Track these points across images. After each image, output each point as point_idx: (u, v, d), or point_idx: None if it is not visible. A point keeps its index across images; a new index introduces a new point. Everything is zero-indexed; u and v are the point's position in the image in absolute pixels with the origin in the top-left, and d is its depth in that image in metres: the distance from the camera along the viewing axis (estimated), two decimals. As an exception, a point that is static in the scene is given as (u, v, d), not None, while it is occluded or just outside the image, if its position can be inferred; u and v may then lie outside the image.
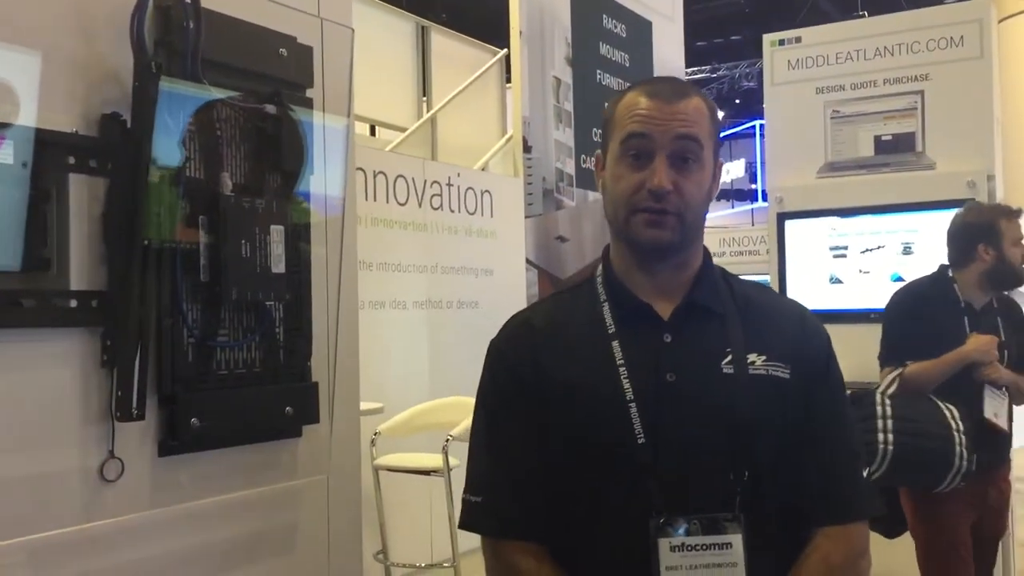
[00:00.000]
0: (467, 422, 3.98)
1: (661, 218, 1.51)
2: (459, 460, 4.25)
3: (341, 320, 1.90)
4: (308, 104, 1.81)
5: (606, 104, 1.63)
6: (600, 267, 1.66)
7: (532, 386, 1.57)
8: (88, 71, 1.52)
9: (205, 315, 1.64)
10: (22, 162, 1.43)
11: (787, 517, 1.56)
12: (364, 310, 4.77)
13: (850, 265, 4.62)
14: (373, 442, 4.33)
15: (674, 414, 1.51)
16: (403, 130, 6.31)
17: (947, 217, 4.31)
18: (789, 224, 4.76)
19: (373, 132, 7.05)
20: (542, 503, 1.56)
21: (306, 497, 1.84)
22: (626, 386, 1.51)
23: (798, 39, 4.95)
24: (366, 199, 4.84)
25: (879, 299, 4.47)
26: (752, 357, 1.55)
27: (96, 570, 1.50)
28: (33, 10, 1.46)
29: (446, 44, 6.89)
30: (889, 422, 3.19)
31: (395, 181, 5.05)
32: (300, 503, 1.83)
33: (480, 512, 1.58)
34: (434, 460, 4.18)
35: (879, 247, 4.56)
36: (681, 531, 1.47)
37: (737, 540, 1.47)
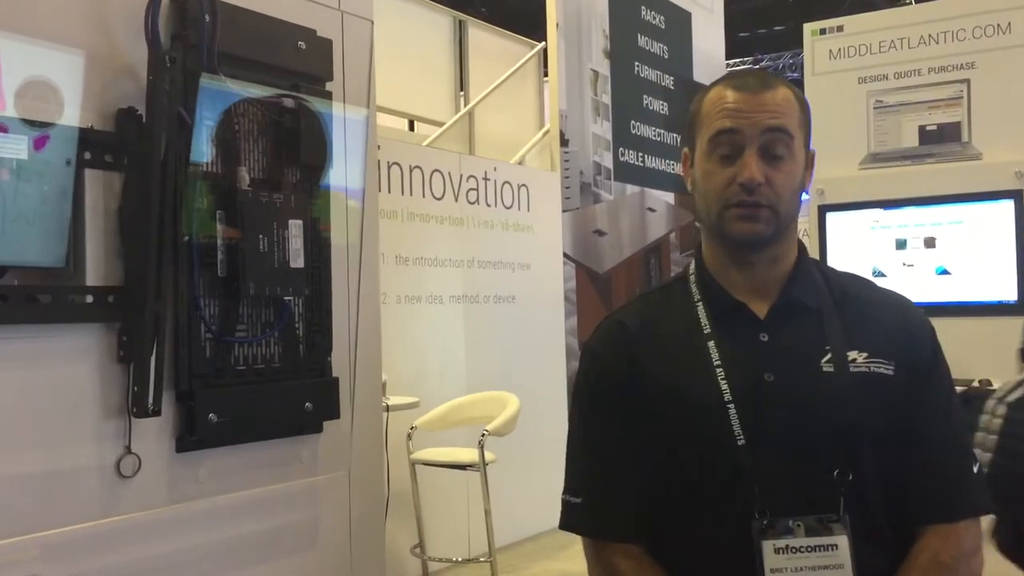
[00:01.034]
0: (503, 416, 4.01)
1: (754, 211, 1.47)
2: (495, 455, 4.26)
3: (362, 315, 1.89)
4: (327, 97, 1.80)
5: (691, 100, 1.61)
6: (692, 265, 1.62)
7: (628, 387, 1.54)
8: (104, 66, 1.51)
9: (223, 310, 1.64)
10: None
11: (894, 516, 1.52)
12: (401, 304, 4.80)
13: (894, 258, 4.53)
14: (409, 436, 4.34)
15: (774, 415, 1.47)
16: (441, 125, 6.30)
17: (994, 209, 4.22)
18: (831, 216, 4.67)
19: (411, 127, 7.05)
20: (641, 504, 1.53)
21: (327, 493, 1.83)
22: (724, 387, 1.47)
23: (840, 28, 4.85)
24: (402, 193, 4.84)
25: (923, 293, 4.39)
26: (852, 354, 1.50)
27: (113, 566, 1.50)
28: (50, 5, 1.46)
29: (483, 38, 6.86)
30: (994, 438, 2.71)
31: (431, 176, 5.05)
32: (321, 499, 1.82)
33: (579, 513, 1.56)
34: (470, 455, 4.17)
35: (924, 239, 4.46)
36: (786, 533, 1.44)
37: (843, 541, 1.43)
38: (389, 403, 4.15)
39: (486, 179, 5.39)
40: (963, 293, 4.32)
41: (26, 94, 1.40)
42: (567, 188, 5.81)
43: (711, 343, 1.51)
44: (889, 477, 1.50)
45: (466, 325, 5.13)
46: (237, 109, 1.66)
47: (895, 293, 1.65)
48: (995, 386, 3.13)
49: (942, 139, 4.56)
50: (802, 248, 1.59)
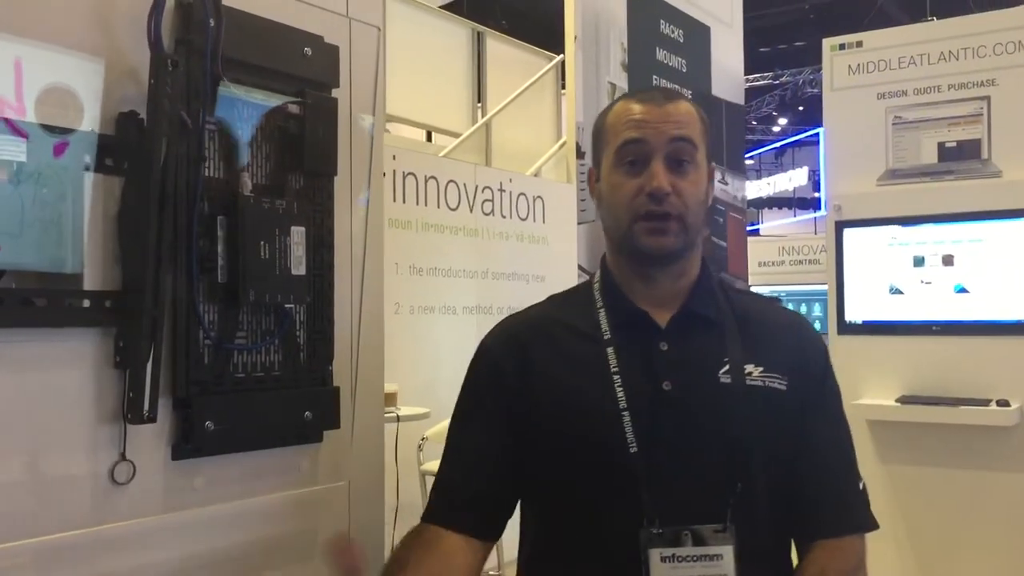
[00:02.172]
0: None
1: (663, 224, 1.50)
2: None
3: (365, 324, 1.87)
4: (333, 104, 1.78)
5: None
6: (598, 273, 1.65)
7: (517, 385, 1.56)
8: (106, 69, 1.50)
9: (222, 317, 1.62)
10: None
11: (782, 529, 1.54)
12: (414, 315, 4.79)
13: (911, 275, 4.48)
14: (420, 447, 4.32)
15: (669, 423, 1.48)
16: (458, 136, 6.30)
17: (1013, 227, 4.17)
18: (848, 232, 4.63)
19: (429, 138, 7.05)
20: (497, 502, 1.56)
21: (326, 504, 1.81)
22: (619, 394, 1.48)
23: (859, 43, 4.83)
24: (417, 204, 4.83)
25: (941, 311, 4.33)
26: (749, 368, 1.52)
27: (105, 574, 1.48)
28: (52, 7, 1.45)
29: (501, 50, 6.87)
30: None
31: (446, 186, 5.04)
32: (320, 509, 1.80)
33: (431, 503, 1.58)
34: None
35: (942, 256, 4.41)
36: (674, 542, 1.44)
37: (728, 552, 1.44)
38: (400, 413, 4.14)
39: (501, 190, 5.38)
40: (982, 312, 4.27)
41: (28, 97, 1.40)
42: (583, 200, 5.78)
43: (610, 349, 1.52)
44: (778, 490, 1.52)
45: (480, 336, 5.08)
46: (240, 114, 1.65)
47: (792, 312, 1.73)
48: (1013, 406, 3.06)
49: (961, 156, 4.52)
50: (705, 264, 1.62)
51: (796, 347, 1.59)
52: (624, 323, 1.56)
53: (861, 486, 1.60)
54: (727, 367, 1.51)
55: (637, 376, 1.50)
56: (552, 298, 1.73)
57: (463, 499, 1.56)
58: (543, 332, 1.60)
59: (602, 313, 1.57)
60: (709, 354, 1.53)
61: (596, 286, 1.63)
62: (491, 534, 1.57)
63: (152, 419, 1.49)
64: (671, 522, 1.44)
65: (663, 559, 1.43)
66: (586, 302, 1.61)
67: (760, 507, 1.49)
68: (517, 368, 1.57)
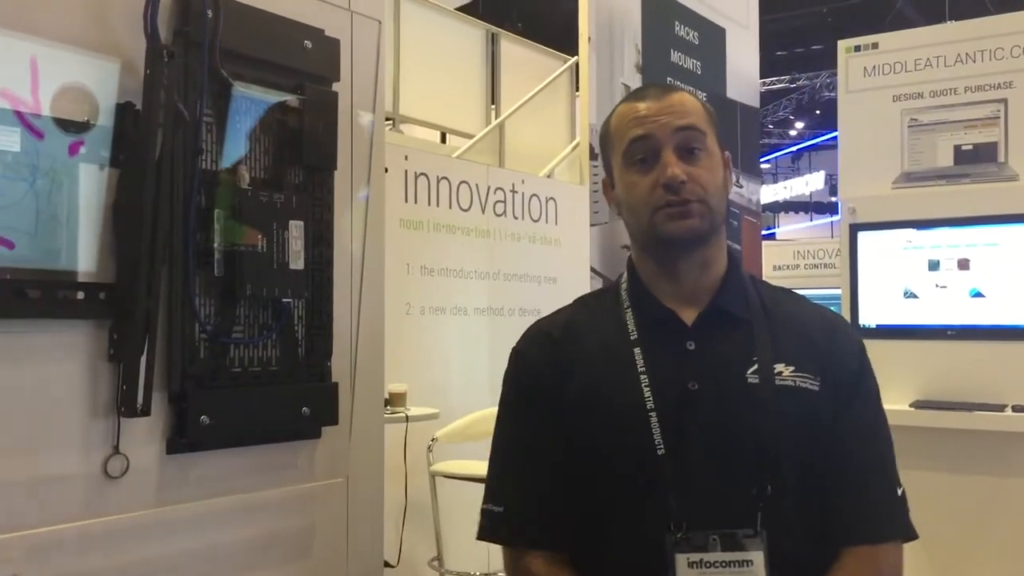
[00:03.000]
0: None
1: (685, 208, 1.47)
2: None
3: (365, 319, 1.85)
4: (333, 98, 1.77)
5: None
6: (625, 274, 1.62)
7: (553, 390, 1.52)
8: (103, 59, 1.49)
9: (219, 311, 1.61)
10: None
11: (813, 535, 1.47)
12: (425, 315, 4.78)
13: (926, 279, 4.43)
14: (430, 448, 4.30)
15: (696, 425, 1.44)
16: (472, 137, 6.29)
17: (1030, 231, 4.11)
18: (862, 236, 4.58)
19: (444, 139, 7.04)
20: (560, 511, 1.50)
21: (324, 500, 1.79)
22: (647, 394, 1.44)
23: (875, 45, 4.78)
24: (429, 204, 4.82)
25: (956, 315, 4.28)
26: (779, 367, 1.47)
27: (98, 567, 1.47)
28: (49, -2, 1.45)
29: (516, 51, 6.85)
30: None
31: (458, 187, 5.02)
32: (317, 506, 1.78)
33: (499, 522, 1.53)
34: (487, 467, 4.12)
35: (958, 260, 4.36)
36: (701, 547, 1.39)
37: (758, 558, 1.39)
38: (410, 414, 4.13)
39: (514, 191, 5.36)
40: (997, 316, 4.21)
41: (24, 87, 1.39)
42: (596, 202, 5.76)
43: (637, 350, 1.49)
44: (810, 494, 1.46)
45: (491, 337, 5.09)
46: (239, 107, 1.64)
47: (827, 310, 1.64)
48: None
49: (977, 159, 4.47)
50: (734, 258, 1.58)
51: (831, 347, 1.53)
52: (651, 323, 1.52)
53: (900, 492, 1.52)
54: (755, 366, 1.47)
55: (664, 376, 1.46)
56: (580, 300, 1.69)
57: (540, 515, 1.51)
58: (572, 334, 1.57)
59: (629, 313, 1.54)
60: (737, 353, 1.48)
61: (623, 287, 1.60)
62: (568, 545, 1.52)
63: (146, 413, 1.48)
64: (700, 526, 1.40)
65: (690, 564, 1.39)
66: (613, 303, 1.59)
67: (792, 511, 1.44)
68: (552, 367, 1.54)
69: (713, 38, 6.40)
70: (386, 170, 1.97)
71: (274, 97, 1.69)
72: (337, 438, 1.80)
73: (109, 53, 1.49)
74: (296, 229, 1.68)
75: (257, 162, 1.67)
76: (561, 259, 5.57)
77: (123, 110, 1.49)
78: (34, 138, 1.40)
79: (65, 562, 1.43)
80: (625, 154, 1.53)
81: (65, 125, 1.43)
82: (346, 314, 1.82)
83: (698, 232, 1.49)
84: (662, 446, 1.42)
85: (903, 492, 1.53)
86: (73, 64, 1.45)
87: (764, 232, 7.32)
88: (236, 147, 1.63)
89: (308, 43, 1.73)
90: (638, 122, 1.51)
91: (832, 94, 14.14)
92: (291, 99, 1.70)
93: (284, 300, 1.68)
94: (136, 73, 1.52)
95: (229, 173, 1.62)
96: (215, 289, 1.60)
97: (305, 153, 1.72)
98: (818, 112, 17.33)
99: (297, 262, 1.68)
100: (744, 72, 6.65)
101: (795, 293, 1.64)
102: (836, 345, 1.54)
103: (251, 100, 1.66)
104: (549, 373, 1.54)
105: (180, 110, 1.52)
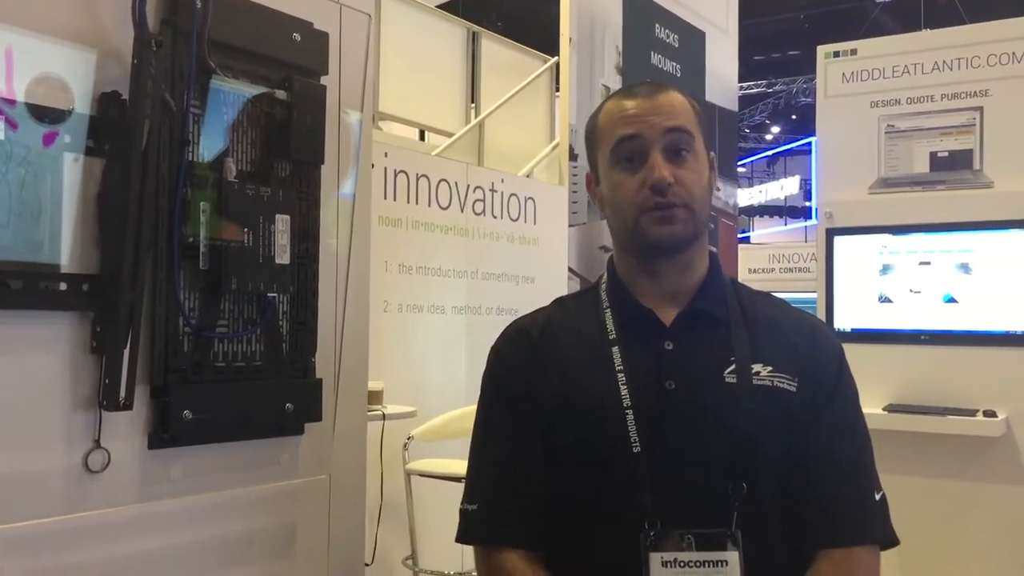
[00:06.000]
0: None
1: (670, 213, 1.47)
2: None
3: (350, 316, 1.84)
4: (321, 91, 1.76)
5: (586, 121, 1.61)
6: (605, 274, 1.62)
7: (531, 388, 1.53)
8: (88, 48, 1.47)
9: (203, 304, 1.59)
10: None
11: (790, 536, 1.48)
12: (402, 313, 4.76)
13: (901, 284, 4.47)
14: (406, 446, 4.28)
15: (672, 423, 1.44)
16: (451, 135, 6.27)
17: (1004, 238, 4.16)
18: (838, 240, 4.62)
19: (422, 137, 7.02)
20: (538, 508, 1.50)
21: (306, 496, 1.78)
22: (624, 392, 1.45)
23: (853, 51, 4.81)
24: (408, 202, 4.80)
25: (930, 320, 4.33)
26: (757, 367, 1.48)
27: (77, 563, 1.45)
28: (35, -16, 1.42)
29: (496, 51, 6.84)
30: None
31: (438, 185, 5.01)
32: (299, 502, 1.77)
33: (475, 520, 1.53)
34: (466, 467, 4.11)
35: (929, 264, 4.40)
36: (676, 546, 1.39)
37: (734, 558, 1.39)
38: (386, 412, 4.11)
39: (493, 190, 5.36)
40: (970, 322, 4.26)
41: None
42: (574, 203, 5.76)
43: (615, 348, 1.49)
44: (787, 495, 1.46)
45: (468, 336, 5.08)
46: (226, 98, 1.62)
47: (806, 313, 1.65)
48: (1000, 417, 3.04)
49: (953, 166, 4.51)
50: (714, 259, 1.58)
51: (809, 348, 1.53)
52: (629, 322, 1.52)
53: (878, 496, 1.52)
54: (733, 366, 1.47)
55: (641, 375, 1.46)
56: (559, 300, 1.69)
57: (516, 512, 1.50)
58: (550, 333, 1.57)
59: (608, 313, 1.54)
60: (715, 353, 1.48)
61: (603, 287, 1.60)
62: (544, 545, 1.51)
63: (128, 406, 1.46)
64: (675, 525, 1.40)
65: (664, 563, 1.38)
66: (593, 303, 1.59)
67: (768, 511, 1.44)
68: (530, 366, 1.54)
69: (693, 41, 6.43)
70: (372, 166, 1.95)
71: (262, 89, 1.67)
72: (320, 435, 1.79)
73: (90, 43, 1.47)
74: (282, 223, 1.67)
75: (244, 155, 1.65)
76: (539, 259, 5.57)
77: (108, 99, 1.47)
78: (8, 128, 1.38)
79: (45, 557, 1.41)
80: (612, 152, 1.52)
81: (41, 114, 1.41)
82: (331, 310, 1.81)
83: (681, 237, 1.50)
84: (638, 444, 1.42)
85: (883, 496, 1.53)
86: (52, 53, 1.43)
87: (739, 236, 7.35)
88: (223, 139, 1.62)
89: (297, 35, 1.72)
90: (627, 121, 1.51)
91: (808, 99, 14.24)
92: (279, 91, 1.68)
93: (269, 295, 1.67)
94: (120, 62, 1.50)
95: (215, 165, 1.60)
96: (200, 282, 1.58)
97: (292, 147, 1.70)
98: (794, 117, 17.45)
99: (283, 257, 1.67)
100: (723, 76, 6.69)
101: (775, 297, 1.65)
102: (815, 348, 1.55)
103: (238, 92, 1.64)
104: (527, 371, 1.54)
105: (167, 100, 1.50)
